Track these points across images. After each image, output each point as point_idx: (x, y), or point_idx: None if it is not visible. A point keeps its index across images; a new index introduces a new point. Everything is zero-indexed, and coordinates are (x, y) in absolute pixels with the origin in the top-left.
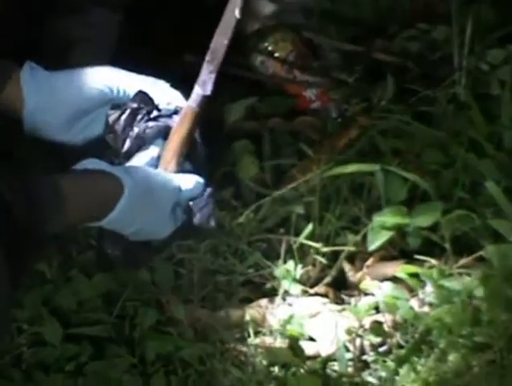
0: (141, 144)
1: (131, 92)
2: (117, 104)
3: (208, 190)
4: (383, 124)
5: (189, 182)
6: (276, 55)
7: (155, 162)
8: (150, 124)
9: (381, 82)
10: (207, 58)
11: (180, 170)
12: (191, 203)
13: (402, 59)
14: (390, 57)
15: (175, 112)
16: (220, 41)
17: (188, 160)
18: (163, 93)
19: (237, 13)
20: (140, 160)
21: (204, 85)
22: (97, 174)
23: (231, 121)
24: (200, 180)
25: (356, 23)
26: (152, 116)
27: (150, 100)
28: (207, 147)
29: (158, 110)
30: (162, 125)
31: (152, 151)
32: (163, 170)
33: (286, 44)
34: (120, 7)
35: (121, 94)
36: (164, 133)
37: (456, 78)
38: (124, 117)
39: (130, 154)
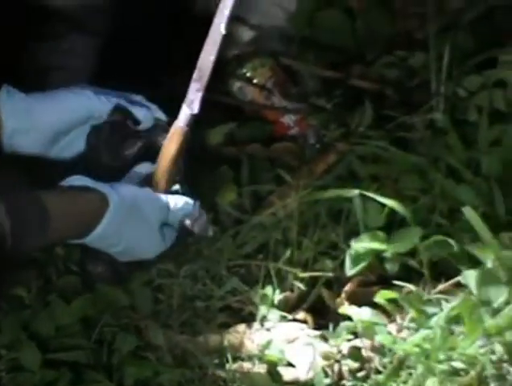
0: (124, 163)
1: (108, 108)
2: (97, 125)
3: (197, 202)
4: (361, 150)
5: (178, 201)
6: (255, 81)
7: (142, 181)
8: (130, 141)
9: (359, 108)
10: (194, 76)
11: (169, 190)
12: (185, 220)
13: (380, 85)
14: (368, 83)
15: (155, 126)
16: (207, 58)
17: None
18: (139, 107)
19: (222, 29)
20: (128, 179)
21: (191, 104)
22: (82, 190)
23: (210, 147)
24: (190, 201)
25: (334, 50)
26: (130, 129)
27: (127, 113)
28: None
29: (136, 123)
30: (142, 143)
31: (140, 169)
32: (153, 188)
33: (264, 70)
34: (98, 33)
35: (98, 112)
36: (146, 150)
37: (433, 104)
38: (103, 133)
39: (114, 173)
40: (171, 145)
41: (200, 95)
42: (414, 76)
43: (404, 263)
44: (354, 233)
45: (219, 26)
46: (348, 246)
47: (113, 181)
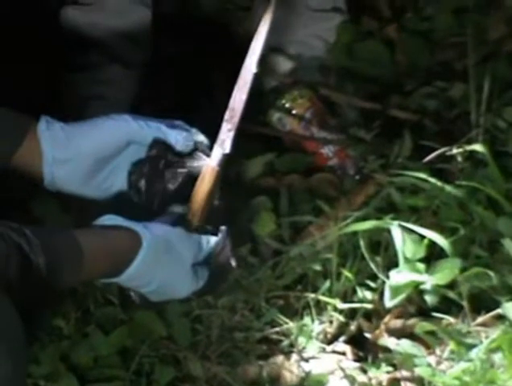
0: (167, 198)
1: (149, 137)
2: (138, 162)
3: (223, 230)
4: (400, 181)
5: (211, 240)
6: (294, 112)
7: (178, 222)
8: (172, 172)
9: (398, 139)
10: (225, 116)
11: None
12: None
13: (419, 116)
14: (407, 114)
15: (195, 149)
16: (239, 98)
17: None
18: (179, 130)
19: (253, 67)
20: (163, 219)
21: (222, 144)
22: (115, 229)
23: (249, 178)
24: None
25: (373, 80)
26: (172, 160)
27: (167, 145)
28: (225, 202)
29: (177, 154)
30: (183, 173)
31: (175, 210)
32: (186, 228)
33: (303, 101)
34: (137, 64)
35: (139, 136)
36: (188, 180)
37: (473, 135)
38: (145, 171)
39: (157, 209)
40: (203, 185)
41: (231, 134)
42: (453, 107)
43: (444, 295)
44: (393, 264)
45: (250, 66)
46: (388, 277)
47: (150, 219)
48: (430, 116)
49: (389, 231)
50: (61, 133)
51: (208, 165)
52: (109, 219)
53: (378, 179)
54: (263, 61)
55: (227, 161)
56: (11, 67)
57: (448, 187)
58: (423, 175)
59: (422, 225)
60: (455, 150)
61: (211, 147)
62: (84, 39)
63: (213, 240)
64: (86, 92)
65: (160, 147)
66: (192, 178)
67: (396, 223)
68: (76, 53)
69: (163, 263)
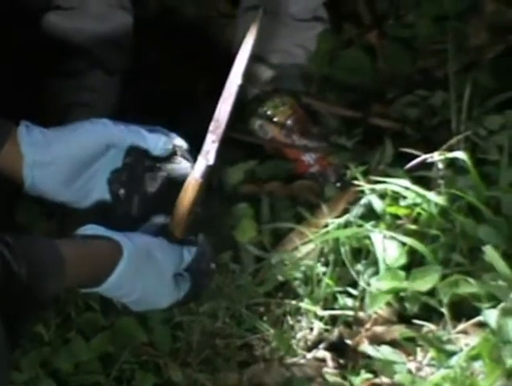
0: (148, 203)
1: (128, 140)
2: (116, 170)
3: (200, 236)
4: (381, 188)
5: (191, 250)
6: (275, 119)
7: (160, 232)
8: (151, 176)
9: (379, 147)
10: (210, 128)
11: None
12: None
13: (400, 124)
14: (388, 122)
15: (174, 153)
16: (224, 109)
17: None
18: (159, 137)
19: (239, 79)
20: (146, 229)
21: (206, 155)
22: (96, 238)
23: (230, 184)
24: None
25: (354, 89)
26: (150, 165)
27: (143, 151)
28: (207, 211)
29: (155, 158)
30: (162, 176)
31: (157, 220)
32: (168, 239)
33: (285, 109)
34: (119, 70)
35: (118, 138)
36: (167, 183)
37: (454, 143)
38: (123, 179)
39: (139, 216)
40: (186, 196)
41: (215, 146)
42: (434, 115)
43: (424, 302)
44: (374, 271)
45: (235, 77)
46: (368, 284)
47: (131, 229)
48: (411, 124)
49: (370, 238)
50: (41, 137)
51: (192, 176)
52: (90, 229)
53: (359, 187)
54: (247, 71)
55: (211, 172)
56: None
57: (429, 195)
58: (404, 183)
59: (403, 232)
60: (436, 158)
61: (190, 151)
62: (67, 44)
63: (194, 249)
64: (69, 98)
65: (137, 153)
66: (172, 182)
67: (377, 230)
68: (59, 59)
69: (144, 273)
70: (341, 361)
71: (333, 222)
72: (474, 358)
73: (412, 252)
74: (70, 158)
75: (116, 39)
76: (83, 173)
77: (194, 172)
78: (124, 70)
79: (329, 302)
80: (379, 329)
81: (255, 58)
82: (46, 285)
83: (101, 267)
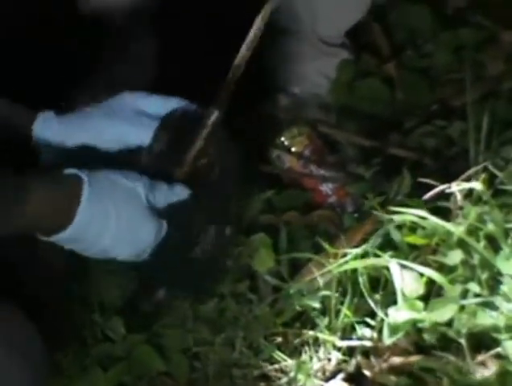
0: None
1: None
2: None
3: (229, 228)
4: (399, 218)
5: (173, 193)
6: (292, 149)
7: None
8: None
9: (397, 177)
10: (227, 77)
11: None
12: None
13: (418, 154)
14: (406, 152)
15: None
16: (242, 55)
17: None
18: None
19: (262, 25)
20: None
21: (219, 102)
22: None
23: (248, 214)
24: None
25: (372, 118)
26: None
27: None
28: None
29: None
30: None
31: None
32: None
33: (302, 139)
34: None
35: (133, 140)
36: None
37: (472, 173)
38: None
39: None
40: (197, 140)
41: (229, 92)
42: (452, 145)
43: (442, 332)
44: (392, 302)
45: (259, 24)
46: (387, 315)
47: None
48: (429, 154)
49: (388, 268)
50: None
51: (204, 122)
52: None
53: (378, 217)
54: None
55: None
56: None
57: (447, 225)
58: (422, 213)
59: (421, 263)
60: (454, 188)
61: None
62: (94, 16)
63: (179, 194)
64: (101, 72)
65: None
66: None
67: (395, 260)
68: (83, 31)
69: (114, 200)
70: None
71: (351, 252)
72: None
73: (430, 283)
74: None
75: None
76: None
77: (206, 118)
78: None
79: (347, 333)
80: (397, 359)
81: (275, 86)
82: (8, 213)
83: (65, 205)
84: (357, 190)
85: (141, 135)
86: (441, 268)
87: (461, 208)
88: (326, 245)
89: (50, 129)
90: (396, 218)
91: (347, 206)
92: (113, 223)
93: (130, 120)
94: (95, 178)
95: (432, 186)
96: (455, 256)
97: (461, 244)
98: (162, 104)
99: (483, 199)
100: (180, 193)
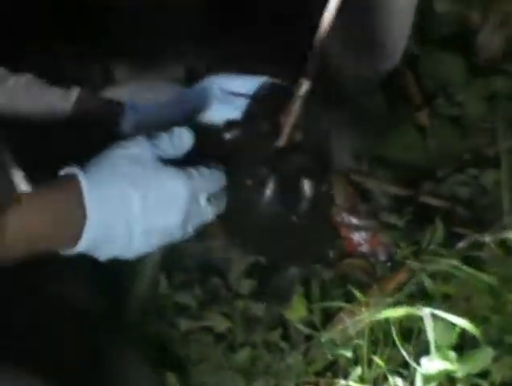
0: None
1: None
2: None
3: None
4: (432, 267)
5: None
6: None
7: None
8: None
9: (430, 226)
10: (313, 46)
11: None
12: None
13: (450, 203)
14: (439, 201)
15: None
16: (327, 21)
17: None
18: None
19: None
20: None
21: (308, 73)
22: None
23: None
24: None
25: (405, 167)
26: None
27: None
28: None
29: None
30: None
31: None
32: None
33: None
34: None
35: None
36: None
37: (505, 222)
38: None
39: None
40: (291, 112)
41: (315, 62)
42: (485, 194)
43: (476, 384)
44: (425, 352)
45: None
46: (419, 365)
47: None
48: (462, 203)
49: (421, 318)
50: None
51: (296, 94)
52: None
53: (410, 266)
54: None
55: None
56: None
57: (480, 275)
58: (455, 262)
59: (454, 312)
60: (487, 238)
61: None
62: None
63: (180, 135)
64: None
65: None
66: None
67: (428, 310)
68: None
69: (120, 179)
70: None
71: (384, 301)
72: None
73: (464, 333)
74: None
75: None
76: None
77: (298, 91)
78: None
79: (379, 382)
80: None
81: None
82: None
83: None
84: (389, 239)
85: (233, 113)
86: (474, 318)
87: (494, 258)
88: (358, 294)
89: (135, 120)
90: (429, 267)
91: (379, 255)
92: (135, 199)
93: (221, 100)
94: (90, 171)
95: (465, 236)
96: (488, 307)
97: (494, 293)
98: (248, 84)
99: None
100: (181, 134)
